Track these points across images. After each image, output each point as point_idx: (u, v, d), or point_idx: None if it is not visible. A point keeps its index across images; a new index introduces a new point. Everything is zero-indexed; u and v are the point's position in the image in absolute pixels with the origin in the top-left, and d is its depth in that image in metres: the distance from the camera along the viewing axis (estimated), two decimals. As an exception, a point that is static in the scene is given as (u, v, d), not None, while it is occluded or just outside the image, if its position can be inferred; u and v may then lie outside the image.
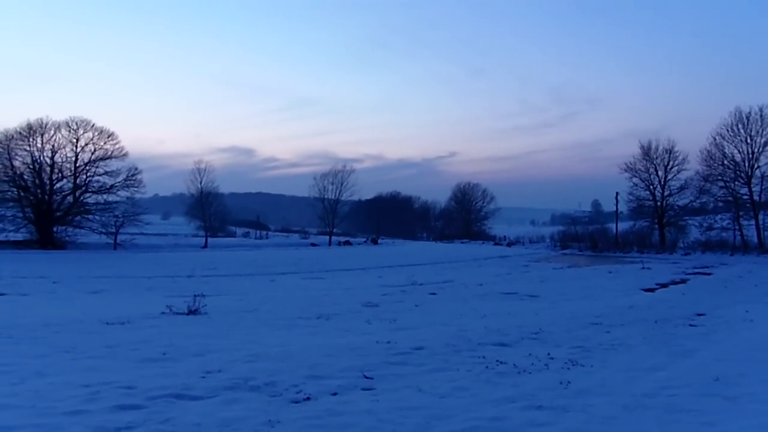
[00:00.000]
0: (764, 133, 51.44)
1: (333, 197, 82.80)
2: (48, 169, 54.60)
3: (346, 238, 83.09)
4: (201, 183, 72.64)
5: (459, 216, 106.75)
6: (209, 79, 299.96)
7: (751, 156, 52.00)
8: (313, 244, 73.47)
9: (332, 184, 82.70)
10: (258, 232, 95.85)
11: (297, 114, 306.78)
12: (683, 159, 58.86)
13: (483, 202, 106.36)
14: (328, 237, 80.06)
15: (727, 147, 53.17)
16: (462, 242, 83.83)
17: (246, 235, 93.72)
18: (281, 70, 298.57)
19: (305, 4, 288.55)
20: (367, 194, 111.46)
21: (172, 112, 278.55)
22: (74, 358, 9.12)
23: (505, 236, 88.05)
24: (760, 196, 51.91)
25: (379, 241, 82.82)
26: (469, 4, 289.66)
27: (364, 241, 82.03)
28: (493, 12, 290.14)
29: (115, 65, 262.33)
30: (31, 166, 54.12)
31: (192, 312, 14.75)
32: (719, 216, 55.78)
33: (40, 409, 6.25)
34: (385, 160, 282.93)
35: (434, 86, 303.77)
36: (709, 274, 32.86)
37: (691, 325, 13.56)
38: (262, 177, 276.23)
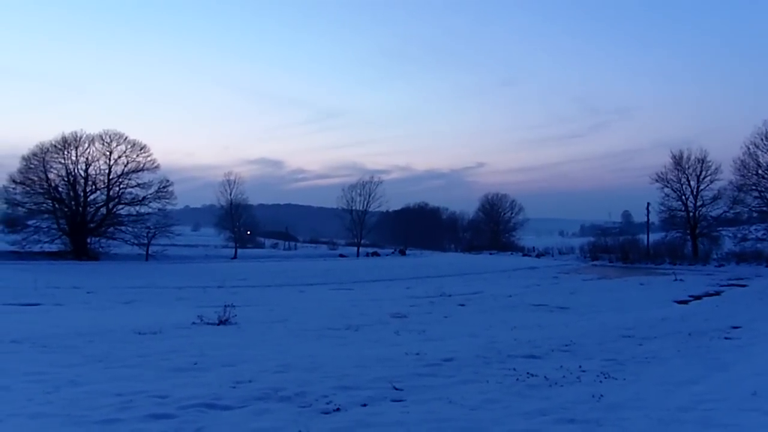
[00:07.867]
0: (799, 142, 50.35)
1: (361, 208, 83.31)
2: (82, 181, 55.89)
3: (374, 250, 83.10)
4: (230, 195, 73.68)
5: (487, 227, 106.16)
6: (238, 91, 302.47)
7: (786, 165, 50.79)
8: (341, 255, 73.77)
9: (360, 195, 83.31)
10: (287, 243, 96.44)
11: (325, 126, 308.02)
12: (716, 169, 57.83)
13: (511, 213, 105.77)
14: (356, 248, 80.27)
15: (761, 156, 52.02)
16: (490, 253, 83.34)
17: (275, 246, 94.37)
18: (309, 82, 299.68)
19: (333, 17, 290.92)
20: (395, 205, 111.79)
21: (201, 124, 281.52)
22: (107, 367, 9.24)
23: (533, 247, 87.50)
24: (796, 206, 50.64)
25: (407, 252, 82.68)
26: (496, 16, 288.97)
27: (392, 253, 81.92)
28: (520, 23, 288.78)
29: (146, 78, 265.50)
30: (66, 179, 55.39)
31: (222, 322, 14.88)
32: (754, 227, 54.57)
33: (74, 417, 6.34)
34: (412, 171, 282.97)
35: (462, 97, 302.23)
36: (744, 285, 32.15)
37: (726, 338, 13.25)
38: (291, 189, 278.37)
